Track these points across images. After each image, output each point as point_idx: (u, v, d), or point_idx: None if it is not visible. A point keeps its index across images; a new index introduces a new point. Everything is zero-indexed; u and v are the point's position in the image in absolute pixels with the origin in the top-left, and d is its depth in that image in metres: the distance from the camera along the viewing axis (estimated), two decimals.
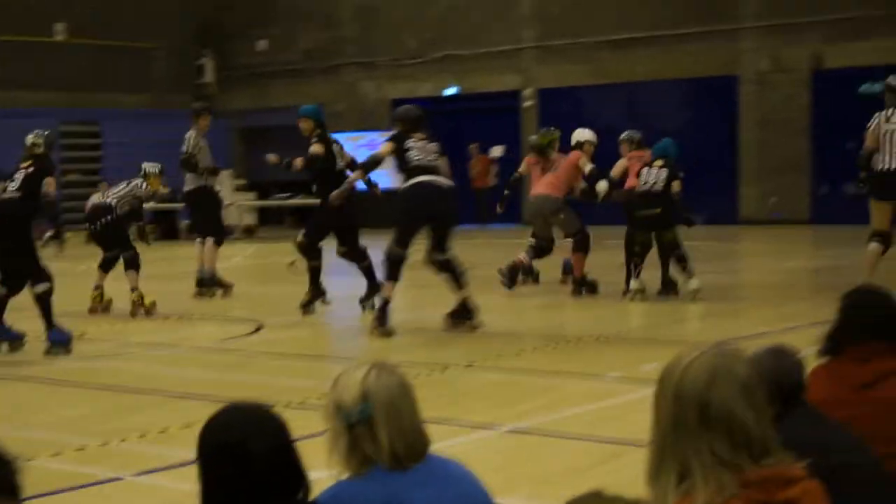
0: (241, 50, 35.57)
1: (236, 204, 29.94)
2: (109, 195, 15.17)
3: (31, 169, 11.69)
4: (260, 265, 20.83)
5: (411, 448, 3.29)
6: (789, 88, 27.46)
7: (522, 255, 15.47)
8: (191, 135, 16.52)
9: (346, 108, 33.20)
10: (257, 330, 12.78)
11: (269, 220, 33.14)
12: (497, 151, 24.43)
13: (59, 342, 11.33)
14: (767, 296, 14.63)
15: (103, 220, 14.63)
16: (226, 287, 16.38)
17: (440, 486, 3.32)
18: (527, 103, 30.49)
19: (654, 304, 14.17)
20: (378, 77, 33.08)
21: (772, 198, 27.05)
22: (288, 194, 30.22)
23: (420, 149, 12.08)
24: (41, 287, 11.30)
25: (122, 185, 15.42)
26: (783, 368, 3.86)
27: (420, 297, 16.08)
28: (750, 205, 28.00)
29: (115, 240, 14.68)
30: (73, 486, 6.78)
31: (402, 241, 11.92)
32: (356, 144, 30.81)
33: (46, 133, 12.32)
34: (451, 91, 31.68)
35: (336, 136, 28.72)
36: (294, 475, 3.08)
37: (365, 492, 3.26)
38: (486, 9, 31.27)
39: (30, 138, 12.15)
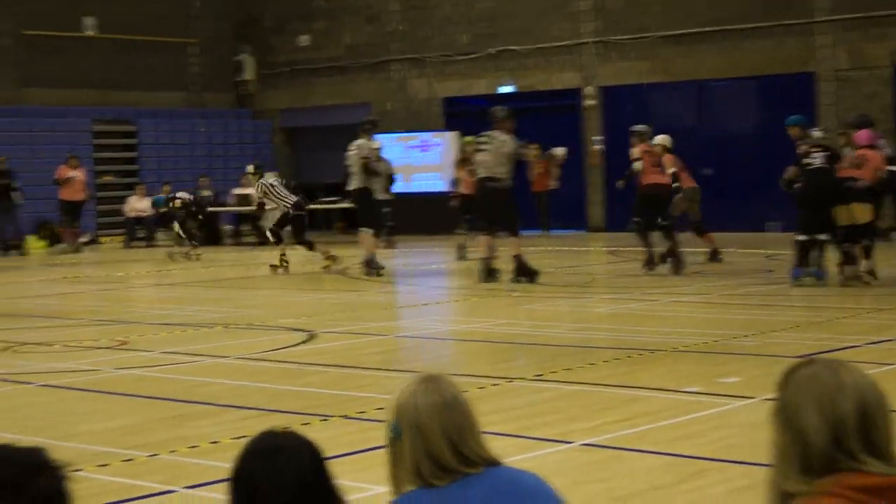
0: (282, 46, 35.67)
1: (280, 207, 29.92)
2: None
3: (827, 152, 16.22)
4: (308, 272, 20.82)
5: (441, 468, 3.31)
6: (871, 87, 27.25)
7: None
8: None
9: (395, 107, 33.23)
10: (308, 339, 12.81)
11: (316, 224, 33.17)
12: (559, 153, 24.39)
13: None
14: (860, 306, 14.54)
15: None
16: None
17: (511, 502, 3.32)
18: (588, 102, 30.42)
19: (728, 314, 14.11)
20: (428, 74, 33.08)
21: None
22: (336, 197, 30.07)
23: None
24: None
25: None
26: None
27: (485, 306, 16.10)
28: None
29: None
30: (122, 498, 6.82)
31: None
32: (407, 145, 30.96)
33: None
34: (506, 89, 31.66)
35: (385, 136, 29.19)
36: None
37: None
38: (542, 1, 31.20)
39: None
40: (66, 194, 28.45)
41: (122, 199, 31.02)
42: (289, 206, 21.00)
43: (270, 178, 21.52)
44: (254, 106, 36.21)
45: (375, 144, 20.10)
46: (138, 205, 30.50)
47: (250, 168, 21.88)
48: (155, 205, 27.25)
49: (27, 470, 2.71)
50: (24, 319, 15.62)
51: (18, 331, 14.33)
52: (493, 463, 3.39)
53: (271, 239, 21.32)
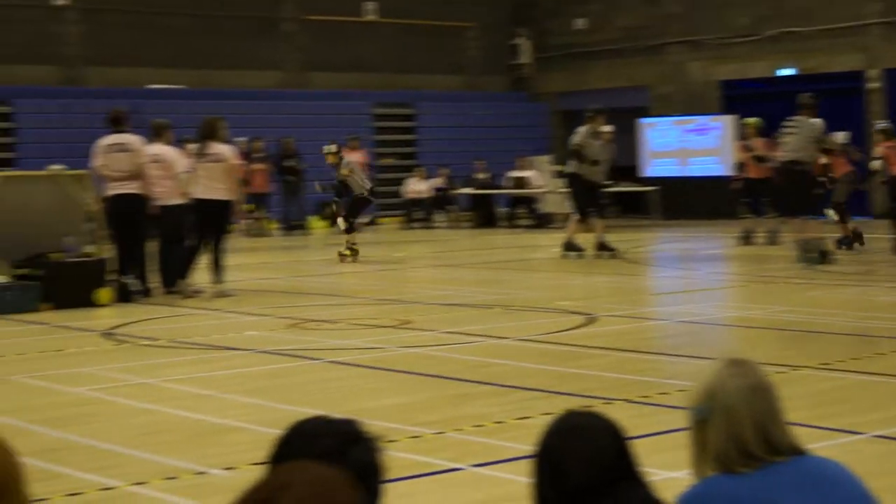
0: (558, 29, 35.69)
1: (556, 191, 30.01)
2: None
3: None
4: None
5: (747, 455, 3.24)
6: None
7: None
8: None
9: (672, 90, 32.89)
10: (588, 322, 12.82)
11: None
12: (840, 138, 23.73)
13: None
14: None
15: None
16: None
17: (820, 492, 3.24)
18: (872, 85, 29.53)
19: None
20: (705, 57, 32.62)
21: None
22: (610, 181, 29.95)
23: None
24: None
25: None
26: None
27: (764, 292, 15.82)
28: None
29: None
30: (411, 474, 6.94)
31: None
32: (684, 129, 30.65)
33: None
34: (786, 72, 30.98)
35: (662, 119, 28.99)
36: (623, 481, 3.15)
37: (730, 491, 3.23)
38: None
39: None
40: None
41: (400, 182, 31.64)
42: (366, 190, 21.18)
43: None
44: (530, 89, 36.36)
45: (605, 129, 20.68)
46: (417, 187, 31.10)
47: (333, 148, 21.54)
48: None
49: (345, 440, 2.81)
50: (309, 297, 16.07)
51: (304, 308, 14.76)
52: (799, 451, 3.33)
53: (341, 226, 21.34)
